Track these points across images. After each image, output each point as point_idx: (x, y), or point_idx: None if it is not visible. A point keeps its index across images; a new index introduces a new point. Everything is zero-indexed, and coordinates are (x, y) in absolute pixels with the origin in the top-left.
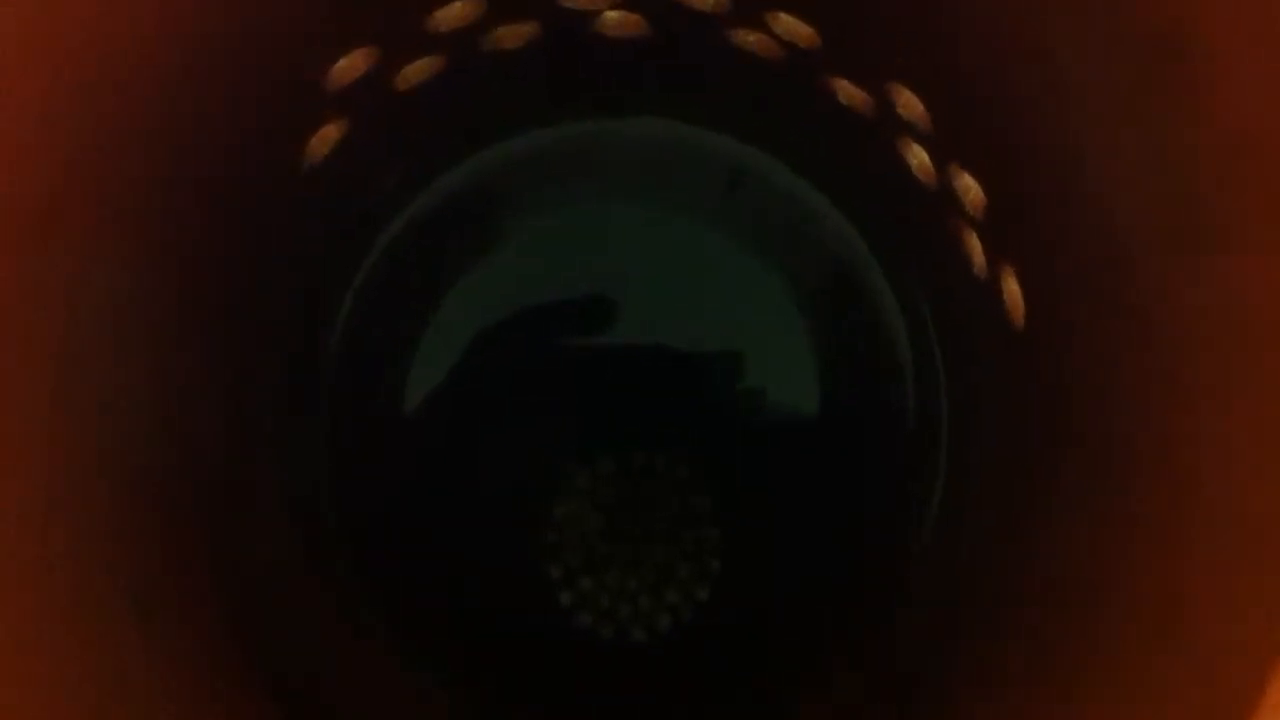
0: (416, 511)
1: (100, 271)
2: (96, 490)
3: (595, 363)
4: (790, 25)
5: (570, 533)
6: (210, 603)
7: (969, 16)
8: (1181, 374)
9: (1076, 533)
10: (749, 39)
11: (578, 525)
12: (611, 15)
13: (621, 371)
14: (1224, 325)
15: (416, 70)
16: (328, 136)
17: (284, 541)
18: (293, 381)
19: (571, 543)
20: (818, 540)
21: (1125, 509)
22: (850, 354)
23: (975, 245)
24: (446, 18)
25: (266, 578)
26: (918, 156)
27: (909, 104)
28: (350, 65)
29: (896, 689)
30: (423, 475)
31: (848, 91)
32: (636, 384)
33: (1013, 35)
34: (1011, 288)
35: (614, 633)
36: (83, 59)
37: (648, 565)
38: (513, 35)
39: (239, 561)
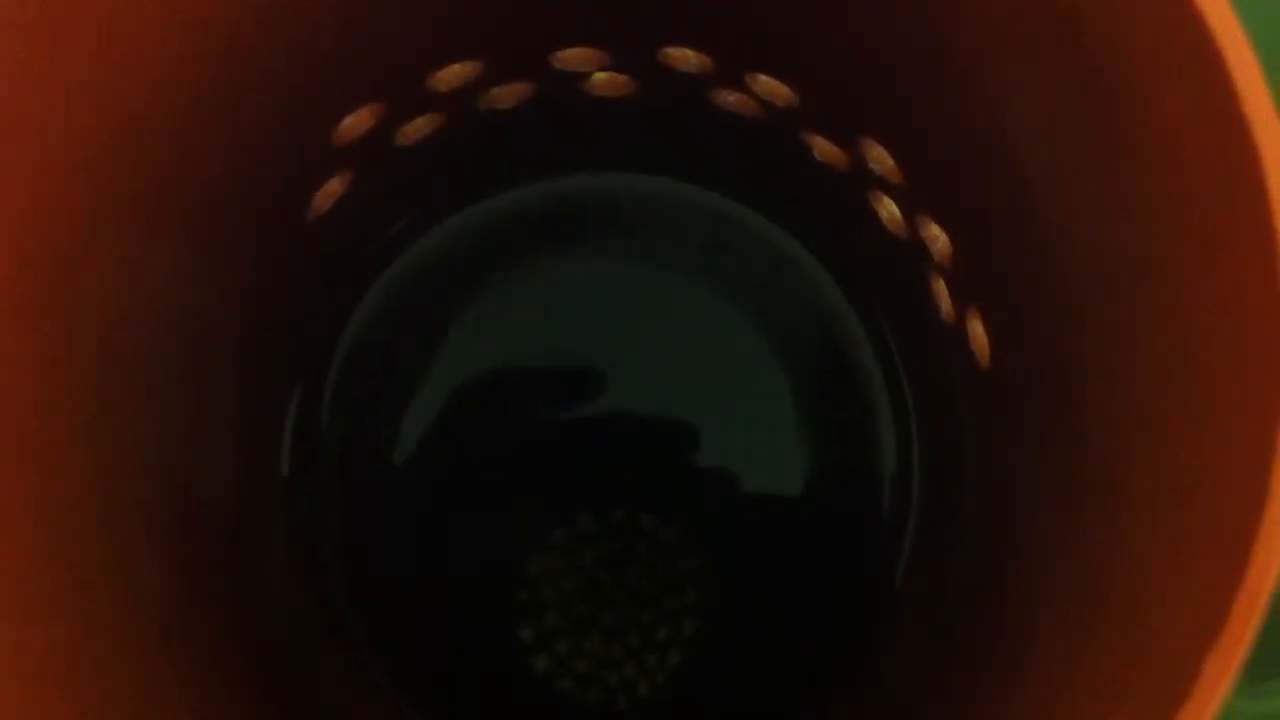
0: (406, 565)
1: (128, 322)
2: (128, 534)
3: (578, 418)
4: (769, 86)
5: (547, 592)
6: (230, 638)
7: (934, 80)
8: (1137, 412)
9: (1051, 573)
10: (730, 99)
11: (555, 585)
12: (600, 76)
13: (604, 427)
14: (1175, 366)
15: (417, 127)
16: (333, 189)
17: (295, 591)
18: (295, 435)
19: (548, 603)
20: (794, 595)
21: (1097, 547)
22: (829, 403)
23: (943, 291)
24: (446, 78)
25: (280, 624)
26: (888, 209)
27: (880, 159)
28: (356, 121)
29: None
30: (411, 529)
31: (823, 147)
32: (619, 440)
33: (971, 95)
34: (976, 330)
35: (596, 698)
36: (101, 108)
37: (629, 629)
38: (508, 95)
39: (255, 602)
